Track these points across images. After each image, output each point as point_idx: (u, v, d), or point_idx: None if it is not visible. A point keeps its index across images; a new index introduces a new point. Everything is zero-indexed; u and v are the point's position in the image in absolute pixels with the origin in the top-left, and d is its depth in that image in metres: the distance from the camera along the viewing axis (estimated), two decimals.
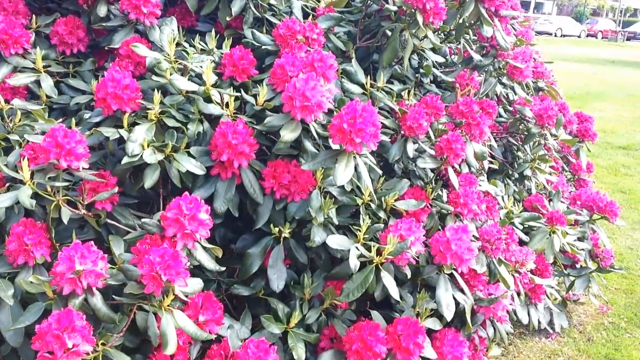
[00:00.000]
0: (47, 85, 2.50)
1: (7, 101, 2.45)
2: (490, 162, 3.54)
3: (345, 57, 2.83)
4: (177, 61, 2.37)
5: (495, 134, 3.80)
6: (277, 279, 2.36)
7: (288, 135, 2.15)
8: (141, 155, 2.12)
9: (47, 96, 2.54)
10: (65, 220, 2.01)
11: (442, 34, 3.53)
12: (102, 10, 2.59)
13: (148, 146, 2.15)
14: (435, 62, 3.30)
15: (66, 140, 1.98)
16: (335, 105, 2.36)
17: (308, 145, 2.27)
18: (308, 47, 2.51)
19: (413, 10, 2.74)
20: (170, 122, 2.22)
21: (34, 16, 2.68)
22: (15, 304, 1.94)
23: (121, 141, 2.22)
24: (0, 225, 2.21)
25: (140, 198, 2.42)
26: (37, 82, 2.53)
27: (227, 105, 2.33)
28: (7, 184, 2.17)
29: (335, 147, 2.21)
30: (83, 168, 2.04)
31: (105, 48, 2.61)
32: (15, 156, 2.20)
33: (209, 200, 2.24)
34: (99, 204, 2.14)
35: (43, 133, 2.24)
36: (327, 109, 2.19)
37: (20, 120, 2.35)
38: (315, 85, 2.14)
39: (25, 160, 1.97)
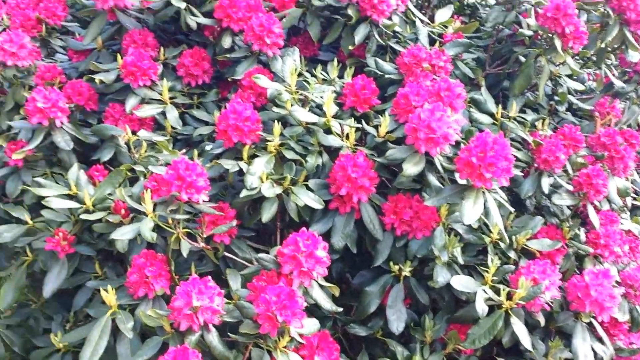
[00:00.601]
0: (173, 116, 2.54)
1: (134, 132, 2.52)
2: (634, 198, 3.20)
3: (474, 84, 2.67)
4: (297, 92, 2.31)
5: (637, 167, 3.43)
6: (397, 319, 2.21)
7: (411, 169, 2.02)
8: (259, 189, 2.07)
9: (172, 127, 2.58)
10: (184, 253, 2.00)
11: (580, 59, 3.26)
12: (226, 42, 2.60)
13: (267, 179, 2.10)
14: (572, 88, 3.04)
15: (188, 173, 1.97)
16: (462, 136, 2.20)
17: (432, 179, 2.12)
18: (434, 76, 2.37)
19: (550, 35, 2.54)
20: (290, 155, 2.16)
21: (161, 48, 2.74)
22: (134, 337, 1.94)
23: (241, 173, 2.19)
24: (123, 256, 2.26)
25: (257, 230, 2.38)
26: (163, 113, 2.58)
27: (347, 136, 2.24)
28: (131, 215, 2.20)
29: (462, 182, 2.05)
30: (203, 201, 2.02)
31: (229, 79, 2.62)
32: (139, 187, 2.23)
33: (327, 235, 2.15)
34: (218, 236, 2.12)
35: (167, 164, 2.26)
36: (454, 140, 2.04)
37: (145, 151, 2.39)
38: (441, 116, 2.00)
39: (148, 193, 1.98)
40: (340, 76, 2.55)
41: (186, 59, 2.68)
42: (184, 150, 2.52)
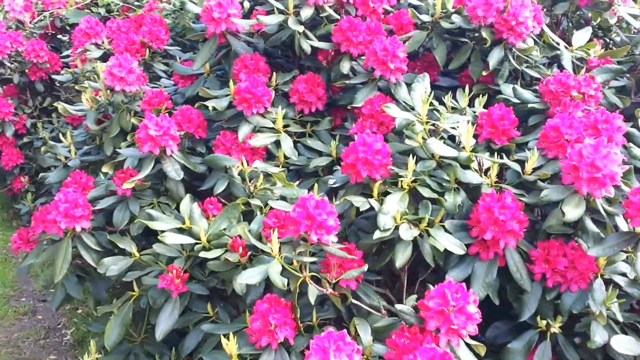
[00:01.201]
0: (288, 146, 2.37)
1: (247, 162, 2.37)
2: None
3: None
4: (428, 122, 2.10)
5: None
6: None
7: (572, 212, 1.76)
8: (393, 230, 1.86)
9: (284, 157, 2.42)
10: (312, 299, 1.81)
11: None
12: (345, 67, 2.43)
13: (401, 219, 1.89)
14: None
15: (317, 211, 1.78)
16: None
17: (590, 224, 1.86)
18: (586, 106, 2.12)
19: None
20: (425, 192, 1.95)
21: (274, 74, 2.60)
22: None
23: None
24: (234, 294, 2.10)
25: (378, 272, 2.17)
26: (276, 142, 2.42)
27: (486, 172, 2.01)
28: (249, 253, 2.04)
29: (626, 228, 1.78)
30: (332, 242, 1.83)
31: (348, 107, 2.44)
32: (258, 223, 2.07)
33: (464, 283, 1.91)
34: (344, 281, 1.92)
35: (283, 198, 2.09)
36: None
37: (261, 183, 2.23)
38: (608, 153, 1.74)
39: (275, 233, 1.80)
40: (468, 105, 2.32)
41: (300, 85, 2.53)
42: (297, 182, 2.35)
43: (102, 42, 3.65)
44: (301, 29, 2.47)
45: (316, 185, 2.12)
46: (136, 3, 4.80)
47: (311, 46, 2.56)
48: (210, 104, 2.48)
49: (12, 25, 5.29)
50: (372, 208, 1.94)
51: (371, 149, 1.97)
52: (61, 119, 5.21)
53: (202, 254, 1.99)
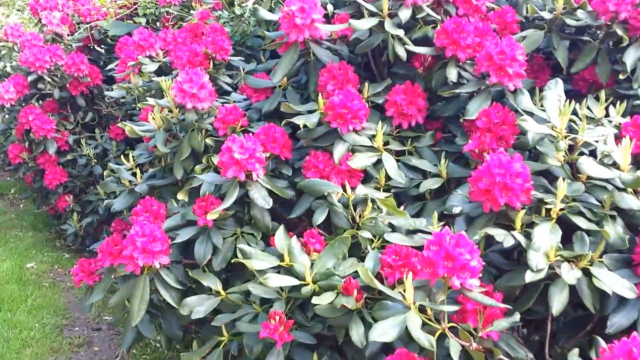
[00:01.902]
0: (392, 166, 2.09)
1: (343, 186, 2.08)
2: None
3: None
4: (567, 136, 1.80)
5: None
6: None
7: None
8: (545, 269, 1.56)
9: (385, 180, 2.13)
10: (455, 356, 1.52)
11: None
12: (452, 74, 2.13)
13: (555, 256, 1.58)
14: None
15: (459, 251, 1.49)
16: None
17: None
18: None
19: None
20: (580, 221, 1.64)
21: (366, 84, 2.31)
22: None
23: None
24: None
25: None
26: (377, 162, 2.13)
27: None
28: (365, 296, 1.75)
29: None
30: (475, 286, 1.53)
31: (461, 119, 2.14)
32: (373, 261, 1.78)
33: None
34: (486, 332, 1.62)
35: (392, 227, 1.80)
36: None
37: (368, 211, 1.95)
38: None
39: (409, 278, 1.51)
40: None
41: (398, 95, 2.23)
42: (402, 207, 2.06)
43: (157, 55, 3.40)
44: (400, 32, 2.18)
45: (435, 214, 1.83)
46: (179, 12, 4.56)
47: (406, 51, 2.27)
48: (298, 121, 2.20)
49: (49, 38, 5.07)
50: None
51: (510, 172, 1.67)
52: (104, 134, 5.00)
53: (315, 300, 1.70)
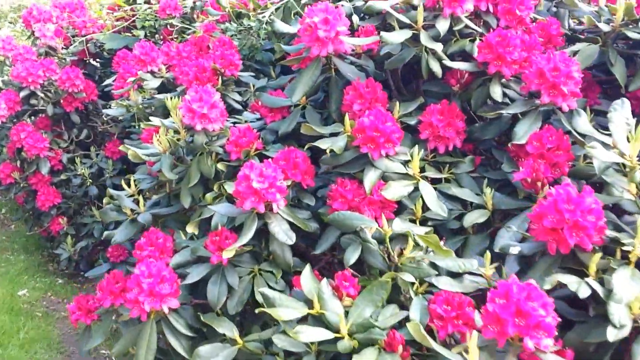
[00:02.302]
0: (431, 197, 1.85)
1: (376, 219, 1.85)
2: None
3: None
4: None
5: None
6: None
7: None
8: (630, 325, 1.32)
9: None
10: None
11: None
12: (497, 92, 1.91)
13: (638, 308, 1.35)
14: None
15: (531, 305, 1.25)
16: None
17: None
18: None
19: None
20: None
21: (397, 103, 2.08)
22: None
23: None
24: None
25: None
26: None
27: None
28: (411, 352, 1.51)
29: None
30: (549, 346, 1.29)
31: (510, 144, 1.90)
32: (419, 311, 1.54)
33: None
34: None
35: (449, 274, 1.56)
36: None
37: (409, 250, 1.71)
38: None
39: (473, 339, 1.27)
40: None
41: (434, 116, 2.00)
42: (441, 243, 1.81)
43: (159, 70, 3.16)
44: (438, 46, 1.95)
45: (487, 255, 1.59)
46: (180, 24, 4.34)
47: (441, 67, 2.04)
48: (323, 144, 1.96)
49: (42, 52, 4.82)
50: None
51: (581, 208, 1.44)
52: (100, 152, 4.75)
53: (355, 359, 1.45)
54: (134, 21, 4.62)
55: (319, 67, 2.16)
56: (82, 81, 4.44)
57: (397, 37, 1.96)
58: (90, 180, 4.56)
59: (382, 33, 1.95)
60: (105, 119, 4.39)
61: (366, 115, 1.91)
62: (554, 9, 2.32)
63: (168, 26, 4.41)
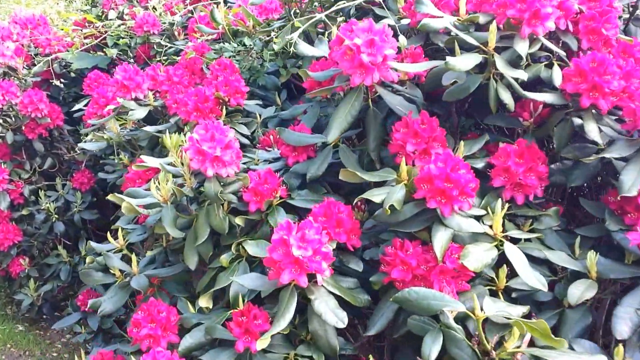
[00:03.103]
0: (522, 264, 1.46)
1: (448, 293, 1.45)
2: None
3: None
4: None
5: None
6: None
7: None
8: None
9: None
10: None
11: None
12: (593, 130, 1.55)
13: None
14: None
15: None
16: None
17: None
18: None
19: None
20: None
21: (461, 143, 1.69)
22: None
23: None
24: None
25: None
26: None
27: None
28: None
29: None
30: None
31: (618, 197, 1.53)
32: None
33: None
34: None
35: None
36: None
37: (513, 342, 1.31)
38: None
39: None
40: None
41: (510, 159, 1.62)
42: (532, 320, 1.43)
43: (145, 96, 2.71)
44: (520, 74, 1.57)
45: (620, 350, 1.21)
46: (161, 41, 3.89)
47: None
48: (375, 197, 1.56)
49: (0, 72, 4.28)
50: None
51: None
52: (67, 183, 4.24)
53: None
54: (104, 38, 4.15)
55: (359, 98, 1.77)
56: (46, 105, 3.95)
57: (466, 62, 1.58)
58: (56, 216, 4.05)
59: (448, 59, 1.57)
60: (79, 151, 3.88)
61: (433, 161, 1.52)
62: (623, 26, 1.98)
63: (146, 45, 3.97)
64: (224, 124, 2.08)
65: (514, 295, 1.52)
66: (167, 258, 2.13)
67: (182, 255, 1.95)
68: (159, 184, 1.88)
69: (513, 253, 1.47)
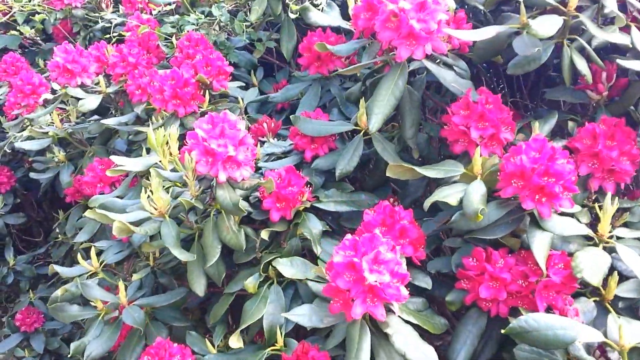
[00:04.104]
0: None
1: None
2: None
3: None
4: None
5: None
6: None
7: None
8: None
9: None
10: None
11: None
12: None
13: None
14: None
15: None
16: None
17: None
18: None
19: None
20: None
21: (536, 124, 1.41)
22: None
23: None
24: None
25: None
26: None
27: None
28: None
29: None
30: None
31: None
32: None
33: None
34: None
35: None
36: None
37: None
38: None
39: None
40: None
41: (600, 141, 1.36)
42: None
43: (94, 82, 2.24)
44: (610, 36, 1.30)
45: None
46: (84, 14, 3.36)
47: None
48: (450, 198, 1.25)
49: None
50: None
51: None
52: None
53: None
54: (13, 15, 3.53)
55: (404, 76, 1.44)
56: None
57: (549, 26, 1.28)
58: None
59: (531, 23, 1.27)
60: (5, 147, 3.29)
61: (524, 151, 1.22)
62: None
63: (67, 21, 3.41)
64: (209, 112, 1.70)
65: (621, 305, 1.27)
66: (156, 279, 1.73)
67: (178, 276, 1.58)
68: (150, 192, 1.48)
69: (630, 257, 1.21)
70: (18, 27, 3.40)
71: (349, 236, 1.20)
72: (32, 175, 2.92)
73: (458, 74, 1.50)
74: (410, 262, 1.34)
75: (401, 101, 1.53)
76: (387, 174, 1.39)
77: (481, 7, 1.59)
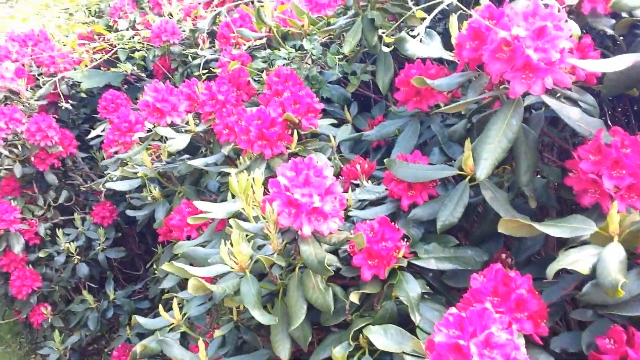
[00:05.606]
0: None
1: None
2: None
3: None
4: None
5: None
6: None
7: None
8: None
9: None
10: None
11: None
12: None
13: None
14: None
15: None
16: None
17: None
18: None
19: None
20: None
21: None
22: None
23: None
24: None
25: None
26: None
27: None
28: None
29: None
30: None
31: None
32: None
33: None
34: None
35: None
36: None
37: None
38: None
39: None
40: None
41: None
42: None
43: (183, 121, 2.18)
44: None
45: None
46: (181, 51, 3.37)
47: None
48: (580, 264, 1.02)
49: (1, 98, 3.73)
50: None
51: None
52: (87, 218, 3.72)
53: None
54: (115, 52, 3.60)
55: (518, 114, 1.23)
56: (56, 131, 3.43)
57: None
58: (78, 257, 3.53)
59: None
60: (100, 185, 3.34)
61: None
62: None
63: (165, 58, 3.44)
64: (298, 155, 1.55)
65: None
66: (239, 335, 1.60)
67: (263, 332, 1.43)
68: (231, 245, 1.35)
69: None
70: (118, 65, 3.47)
71: (453, 310, 1.00)
72: (129, 212, 2.92)
73: (584, 110, 1.26)
74: (528, 339, 1.11)
75: (515, 143, 1.31)
76: (499, 230, 1.18)
77: (610, 32, 1.35)
